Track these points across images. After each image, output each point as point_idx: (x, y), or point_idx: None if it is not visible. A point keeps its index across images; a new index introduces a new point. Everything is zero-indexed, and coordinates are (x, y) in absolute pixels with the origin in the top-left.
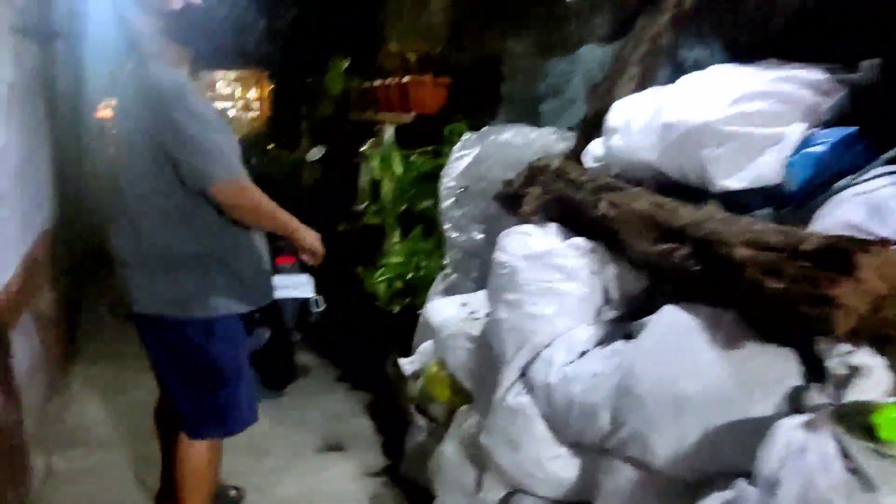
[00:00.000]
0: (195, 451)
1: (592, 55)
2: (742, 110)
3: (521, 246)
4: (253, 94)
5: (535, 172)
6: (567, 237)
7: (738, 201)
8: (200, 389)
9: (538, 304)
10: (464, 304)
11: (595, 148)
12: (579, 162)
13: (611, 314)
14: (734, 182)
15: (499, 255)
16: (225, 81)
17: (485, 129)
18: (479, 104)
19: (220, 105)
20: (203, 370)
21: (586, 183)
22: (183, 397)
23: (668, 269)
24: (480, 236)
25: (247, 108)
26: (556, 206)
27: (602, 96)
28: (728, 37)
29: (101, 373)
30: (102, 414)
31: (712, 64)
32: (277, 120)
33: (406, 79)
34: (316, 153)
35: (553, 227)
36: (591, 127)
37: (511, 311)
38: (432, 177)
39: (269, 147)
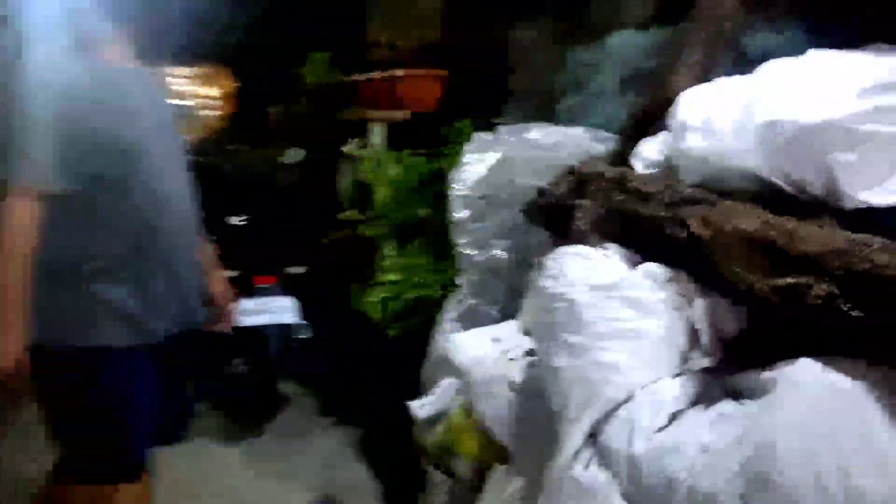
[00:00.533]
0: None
1: (626, 43)
2: (878, 104)
3: (582, 273)
4: (213, 91)
5: (584, 180)
6: (633, 262)
7: (866, 220)
8: (66, 425)
9: (609, 348)
10: (495, 340)
11: (648, 150)
12: (626, 166)
13: (703, 362)
14: (879, 196)
15: (551, 285)
16: (182, 78)
17: (504, 127)
18: (482, 100)
19: (177, 103)
20: (71, 406)
21: (656, 194)
22: (52, 428)
23: (795, 310)
24: (504, 254)
25: (206, 106)
26: (616, 222)
27: (656, 88)
28: (813, 19)
29: None
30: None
31: (787, 52)
32: (245, 118)
33: (397, 72)
34: (294, 155)
35: (614, 249)
36: (642, 125)
37: (573, 357)
38: (429, 181)
39: (234, 147)
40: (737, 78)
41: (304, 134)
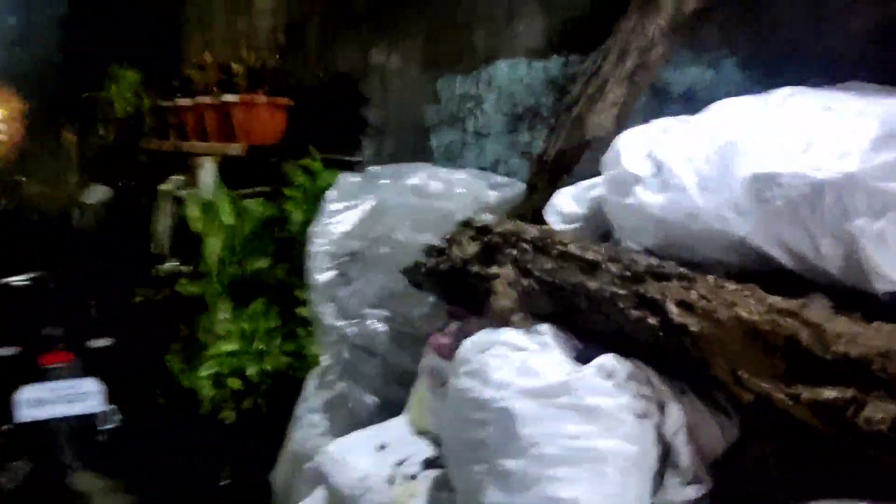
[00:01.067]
0: None
1: (514, 73)
2: None
3: (516, 371)
4: None
5: (495, 240)
6: (575, 350)
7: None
8: None
9: (562, 478)
10: (382, 447)
11: (565, 202)
12: (537, 221)
13: (687, 492)
14: None
15: (472, 386)
16: None
17: (375, 168)
18: (334, 133)
19: None
20: None
21: (604, 263)
22: None
23: (839, 434)
24: (381, 326)
25: None
26: (547, 296)
27: (570, 128)
28: (754, 52)
29: None
30: None
31: (721, 90)
32: (36, 147)
33: (230, 97)
34: (97, 193)
35: (551, 334)
36: (554, 171)
37: (512, 491)
38: (270, 227)
39: (18, 181)
40: (684, 119)
41: (111, 168)
